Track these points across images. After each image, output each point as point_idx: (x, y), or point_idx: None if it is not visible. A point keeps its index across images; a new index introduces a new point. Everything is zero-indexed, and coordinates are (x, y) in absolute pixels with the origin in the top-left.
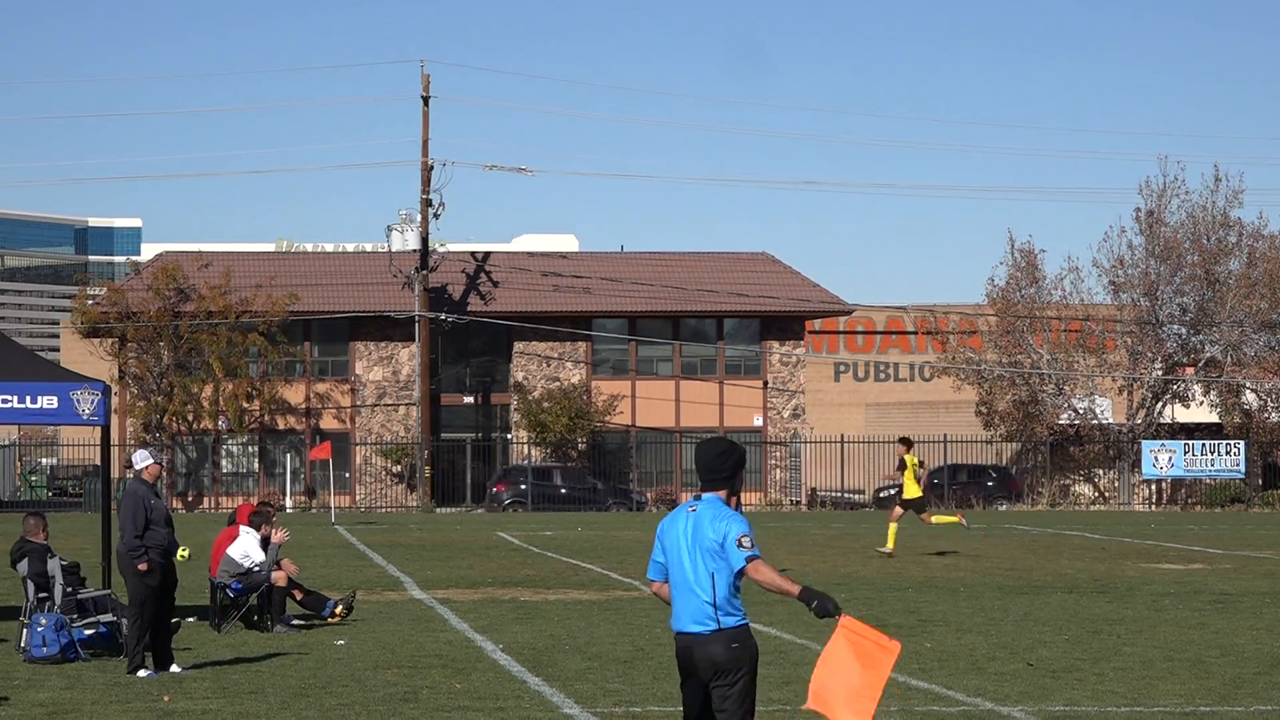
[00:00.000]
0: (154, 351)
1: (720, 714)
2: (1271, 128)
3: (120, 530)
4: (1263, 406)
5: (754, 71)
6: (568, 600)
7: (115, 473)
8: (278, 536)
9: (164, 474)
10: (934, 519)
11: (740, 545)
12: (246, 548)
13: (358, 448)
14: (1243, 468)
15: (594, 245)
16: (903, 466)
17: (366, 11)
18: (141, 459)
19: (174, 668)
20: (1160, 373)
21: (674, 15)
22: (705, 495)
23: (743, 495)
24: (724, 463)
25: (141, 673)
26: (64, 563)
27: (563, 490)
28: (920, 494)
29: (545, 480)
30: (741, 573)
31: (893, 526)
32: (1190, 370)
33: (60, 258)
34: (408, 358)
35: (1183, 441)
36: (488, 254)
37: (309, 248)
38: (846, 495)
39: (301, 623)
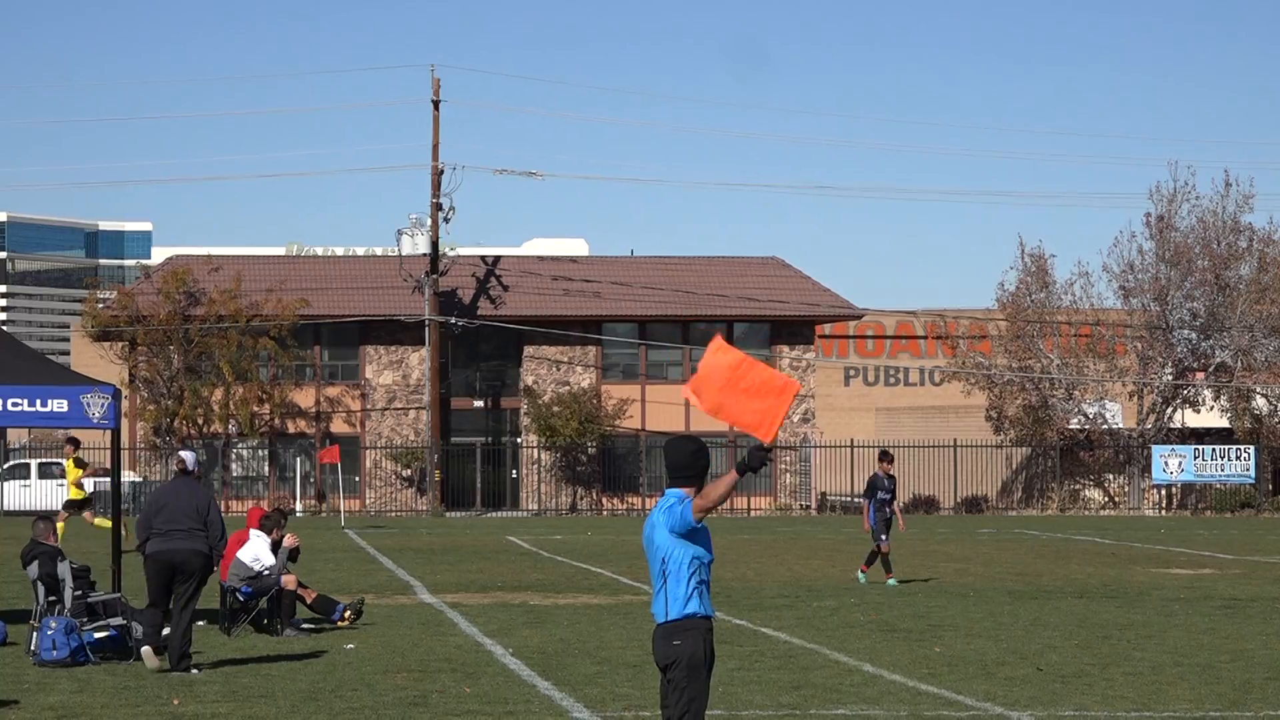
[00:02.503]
0: (164, 355)
1: (664, 707)
2: None
3: (215, 531)
4: (1273, 411)
5: (764, 76)
6: (577, 604)
7: (126, 475)
8: (288, 541)
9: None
10: (95, 521)
11: (682, 505)
12: (257, 551)
13: (368, 452)
14: (1253, 473)
15: (604, 249)
16: (81, 466)
17: (377, 16)
18: (193, 460)
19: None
20: (1170, 378)
21: (683, 20)
22: (671, 490)
23: (752, 500)
24: (697, 460)
25: (194, 670)
26: (74, 566)
27: None
28: (83, 495)
29: None
30: (699, 535)
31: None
32: (1200, 375)
33: (71, 261)
34: (418, 362)
35: (1193, 446)
36: (498, 258)
37: (319, 251)
38: (856, 500)
39: (311, 627)
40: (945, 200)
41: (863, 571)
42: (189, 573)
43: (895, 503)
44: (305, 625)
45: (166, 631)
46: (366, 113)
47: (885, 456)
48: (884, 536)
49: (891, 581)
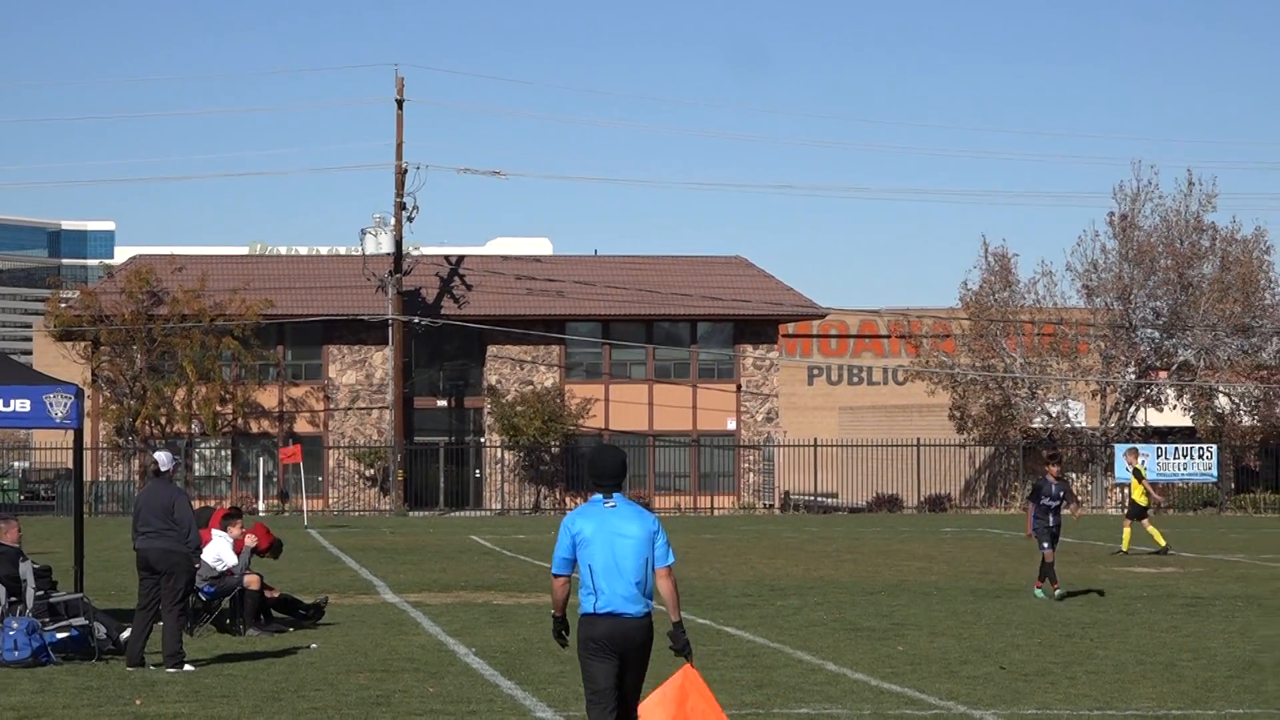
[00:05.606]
0: (127, 355)
1: (631, 684)
2: (1244, 131)
3: (184, 527)
4: (1235, 410)
5: (728, 76)
6: (540, 604)
7: (88, 475)
8: (248, 541)
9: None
10: None
11: (669, 545)
12: (219, 551)
13: (331, 451)
14: (1215, 471)
15: (568, 249)
16: None
17: (340, 15)
18: (167, 460)
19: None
20: (1133, 376)
21: (648, 19)
22: (615, 494)
23: (716, 499)
24: (625, 469)
25: (188, 666)
26: (36, 566)
27: None
28: None
29: None
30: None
31: None
32: (1163, 374)
33: (33, 260)
34: (381, 361)
35: (1155, 445)
36: (461, 257)
37: (283, 251)
38: (820, 499)
39: (276, 629)
40: (908, 199)
41: (1038, 587)
42: (163, 570)
43: (1071, 506)
44: (278, 619)
45: (125, 634)
46: (330, 112)
47: (1054, 459)
48: (1046, 545)
49: (1058, 592)
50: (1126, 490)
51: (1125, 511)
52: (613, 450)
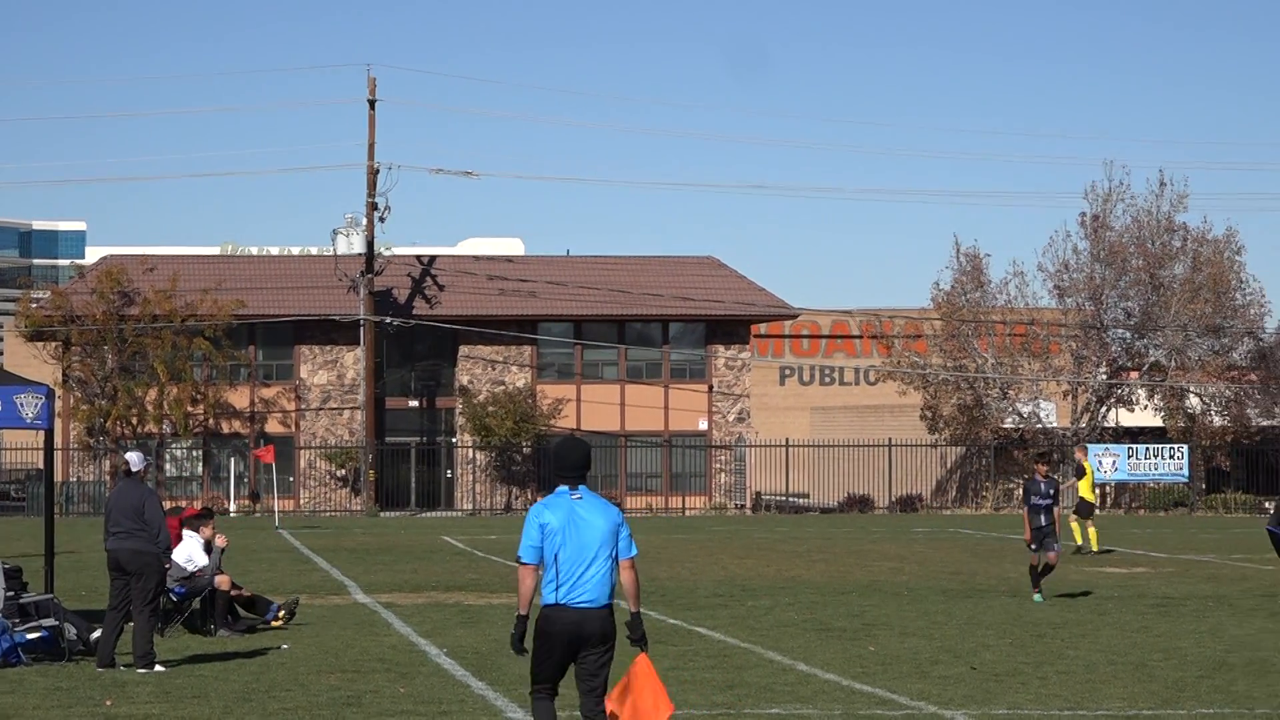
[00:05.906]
0: (98, 355)
1: (593, 677)
2: (1215, 132)
3: (154, 527)
4: (1206, 410)
5: (702, 76)
6: (511, 604)
7: (59, 476)
8: (219, 541)
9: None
10: None
11: (631, 538)
12: (190, 551)
13: (302, 451)
14: (1186, 471)
15: (540, 249)
16: None
17: (312, 15)
18: (138, 461)
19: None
20: (1104, 377)
21: (618, 20)
22: (580, 487)
23: (687, 499)
24: (589, 461)
25: (158, 667)
26: (6, 566)
27: None
28: None
29: None
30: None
31: None
32: (1134, 374)
33: (4, 260)
34: (353, 361)
35: (1126, 445)
36: (433, 257)
37: (254, 251)
38: (791, 499)
39: (245, 627)
40: (880, 200)
41: (1038, 593)
42: (133, 571)
43: (1057, 508)
44: (244, 618)
45: (95, 635)
46: (302, 112)
47: (1042, 457)
48: (1034, 547)
49: (1037, 598)
50: (1097, 489)
51: (1074, 509)
52: (577, 442)
